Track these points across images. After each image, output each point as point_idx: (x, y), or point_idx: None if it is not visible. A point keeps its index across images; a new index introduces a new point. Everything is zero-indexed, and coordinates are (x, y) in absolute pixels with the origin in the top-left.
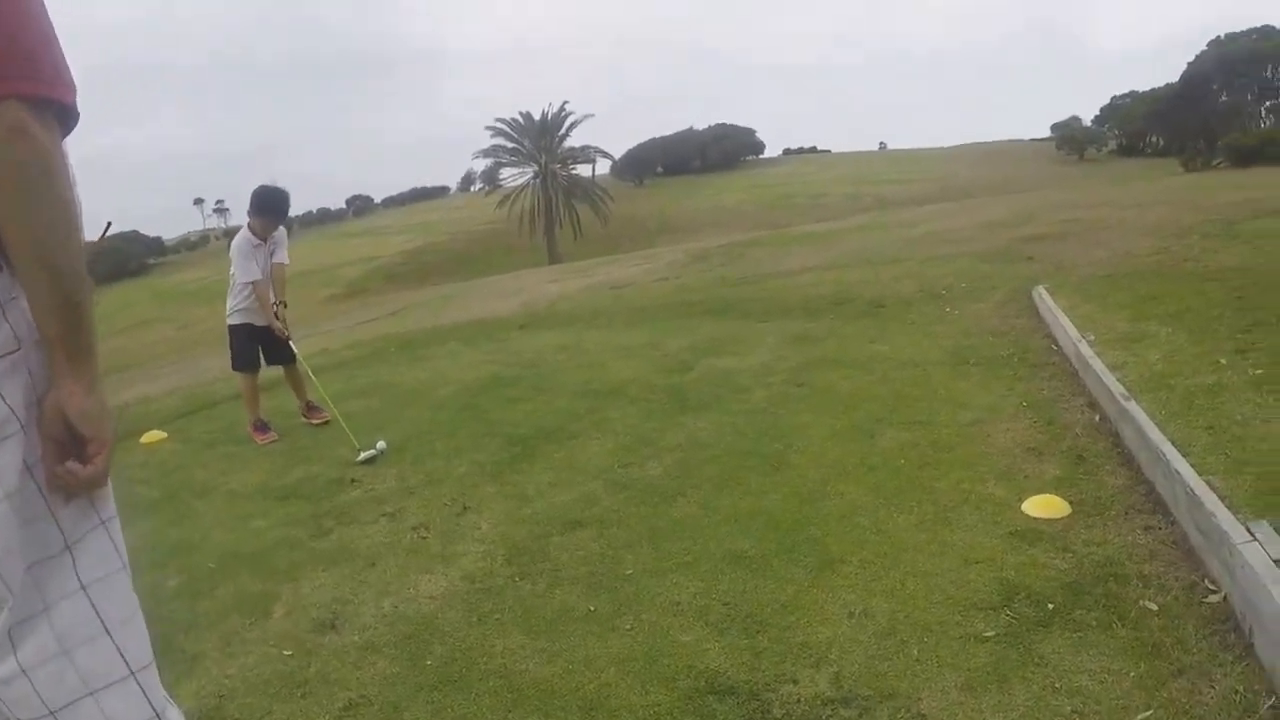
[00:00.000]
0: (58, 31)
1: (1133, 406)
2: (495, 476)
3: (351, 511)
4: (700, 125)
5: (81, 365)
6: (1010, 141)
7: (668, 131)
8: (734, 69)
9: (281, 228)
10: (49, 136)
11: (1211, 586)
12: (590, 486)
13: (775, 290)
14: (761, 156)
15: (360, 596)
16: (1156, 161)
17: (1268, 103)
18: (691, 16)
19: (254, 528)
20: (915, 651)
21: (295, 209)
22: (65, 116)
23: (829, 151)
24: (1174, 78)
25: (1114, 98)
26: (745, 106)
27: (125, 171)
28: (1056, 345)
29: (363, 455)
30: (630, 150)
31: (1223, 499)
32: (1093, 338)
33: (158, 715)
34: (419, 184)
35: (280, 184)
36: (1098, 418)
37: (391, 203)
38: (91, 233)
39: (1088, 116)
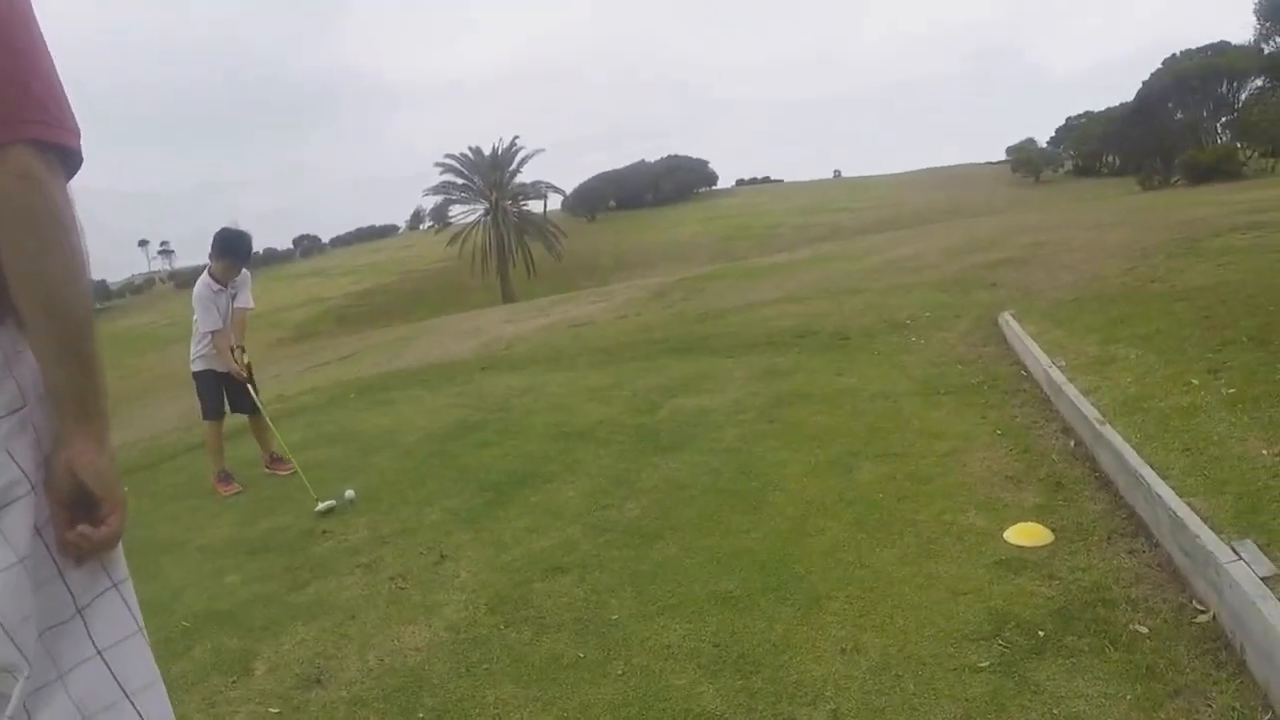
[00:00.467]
0: None
1: (1108, 431)
2: (470, 523)
3: (326, 563)
4: (652, 158)
5: (92, 421)
6: (965, 166)
7: (619, 165)
8: (685, 100)
9: (245, 270)
10: (56, 182)
11: (1200, 607)
12: (569, 531)
13: (738, 325)
14: (715, 188)
15: (343, 650)
16: (1113, 181)
17: (1223, 119)
18: (642, 49)
19: (227, 583)
20: (911, 685)
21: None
22: (69, 161)
23: (782, 181)
24: (1129, 97)
25: (1069, 119)
26: (697, 138)
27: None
28: (1026, 371)
29: (321, 506)
30: (582, 184)
31: (1205, 520)
32: (1063, 363)
33: None
34: (367, 223)
35: (233, 224)
36: (1073, 443)
37: (339, 242)
38: None
39: (1043, 139)
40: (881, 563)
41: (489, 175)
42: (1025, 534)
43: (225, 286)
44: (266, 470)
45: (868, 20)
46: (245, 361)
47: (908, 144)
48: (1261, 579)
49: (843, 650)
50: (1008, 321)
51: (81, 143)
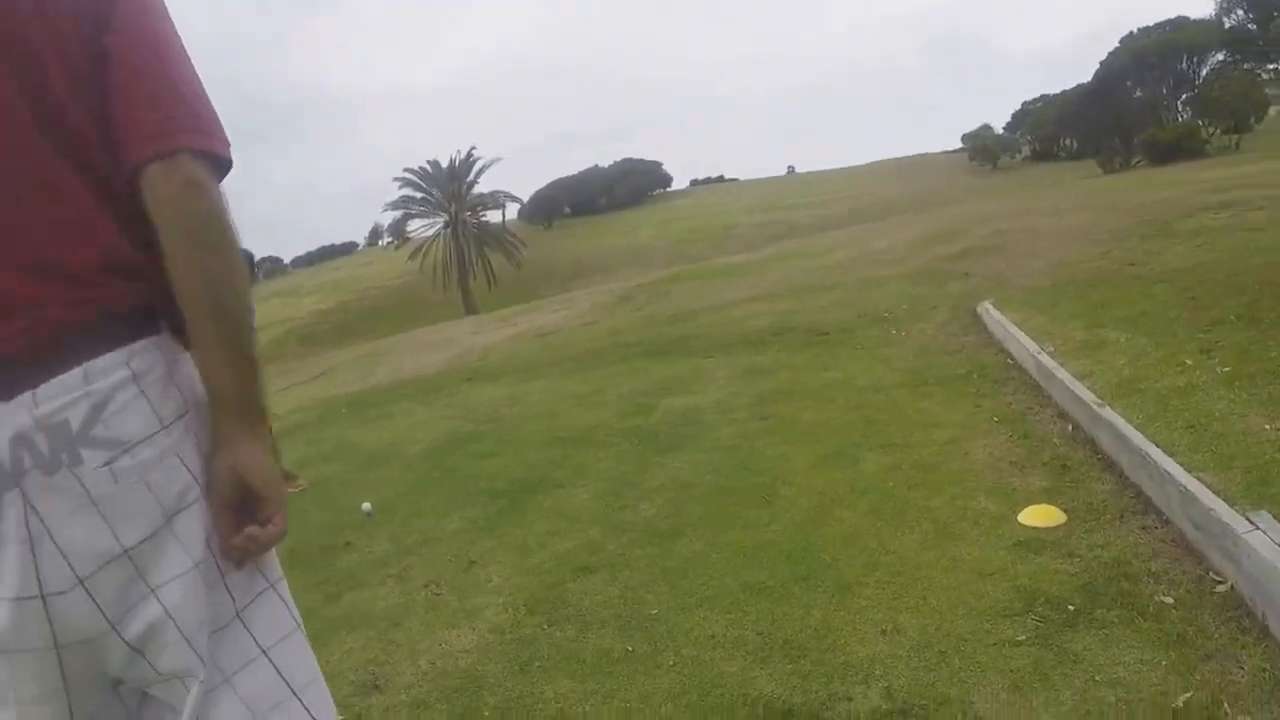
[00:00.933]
0: None
1: (1108, 413)
2: (490, 530)
3: (356, 575)
4: (605, 162)
5: (257, 423)
6: (921, 156)
7: (573, 171)
8: (636, 101)
9: None
10: (217, 189)
11: (1217, 577)
12: (589, 533)
13: (711, 326)
14: (669, 189)
15: (394, 657)
16: (1072, 165)
17: (1183, 96)
18: (590, 50)
19: None
20: (956, 661)
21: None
22: (222, 169)
23: (737, 180)
24: (1086, 78)
25: (1024, 103)
26: (649, 139)
27: None
28: (1013, 359)
29: (366, 505)
30: (537, 192)
31: (1217, 494)
32: (1052, 348)
33: None
34: (327, 240)
35: None
36: (1070, 427)
37: (301, 262)
38: None
39: (999, 124)
40: (904, 548)
41: (447, 187)
42: (1039, 515)
43: None
44: None
45: (819, 9)
46: None
47: (862, 136)
48: None
49: (883, 632)
50: (988, 310)
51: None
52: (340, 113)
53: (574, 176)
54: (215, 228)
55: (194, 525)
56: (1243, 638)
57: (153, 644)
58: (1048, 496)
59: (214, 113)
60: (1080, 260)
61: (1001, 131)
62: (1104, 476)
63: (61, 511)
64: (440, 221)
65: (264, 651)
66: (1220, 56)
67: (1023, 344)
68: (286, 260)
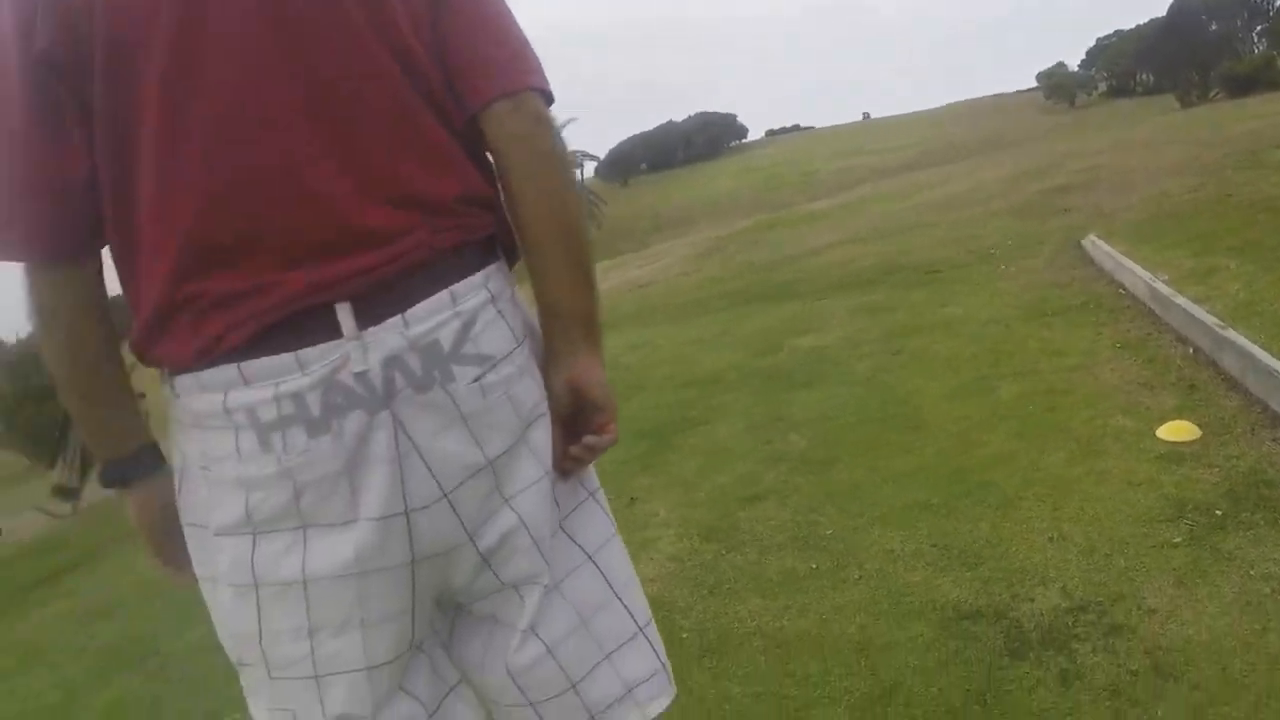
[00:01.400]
0: None
1: (1232, 334)
2: (645, 469)
3: None
4: (679, 117)
5: (597, 338)
6: (996, 97)
7: (647, 127)
8: (708, 54)
9: None
10: (555, 125)
11: None
12: (745, 466)
13: (814, 269)
14: (746, 140)
15: None
16: (1151, 100)
17: (1259, 27)
18: (660, 8)
19: None
20: (1121, 562)
21: None
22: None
23: (813, 128)
24: (1160, 13)
25: (1099, 39)
26: (723, 94)
27: None
28: (1125, 289)
29: None
30: (613, 149)
31: None
32: (1167, 277)
33: (663, 665)
34: None
35: None
36: (1191, 350)
37: None
38: None
39: (1074, 62)
40: (1053, 465)
41: None
42: (1176, 431)
43: None
44: None
45: None
46: None
47: (933, 81)
48: None
49: (1050, 539)
50: (1094, 243)
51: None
52: None
53: (650, 132)
54: (561, 160)
55: (544, 436)
56: None
57: (502, 552)
58: (1180, 414)
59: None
60: (1178, 192)
61: (1076, 69)
62: (1230, 395)
63: (431, 429)
64: None
65: (589, 557)
66: None
67: (1135, 274)
68: None
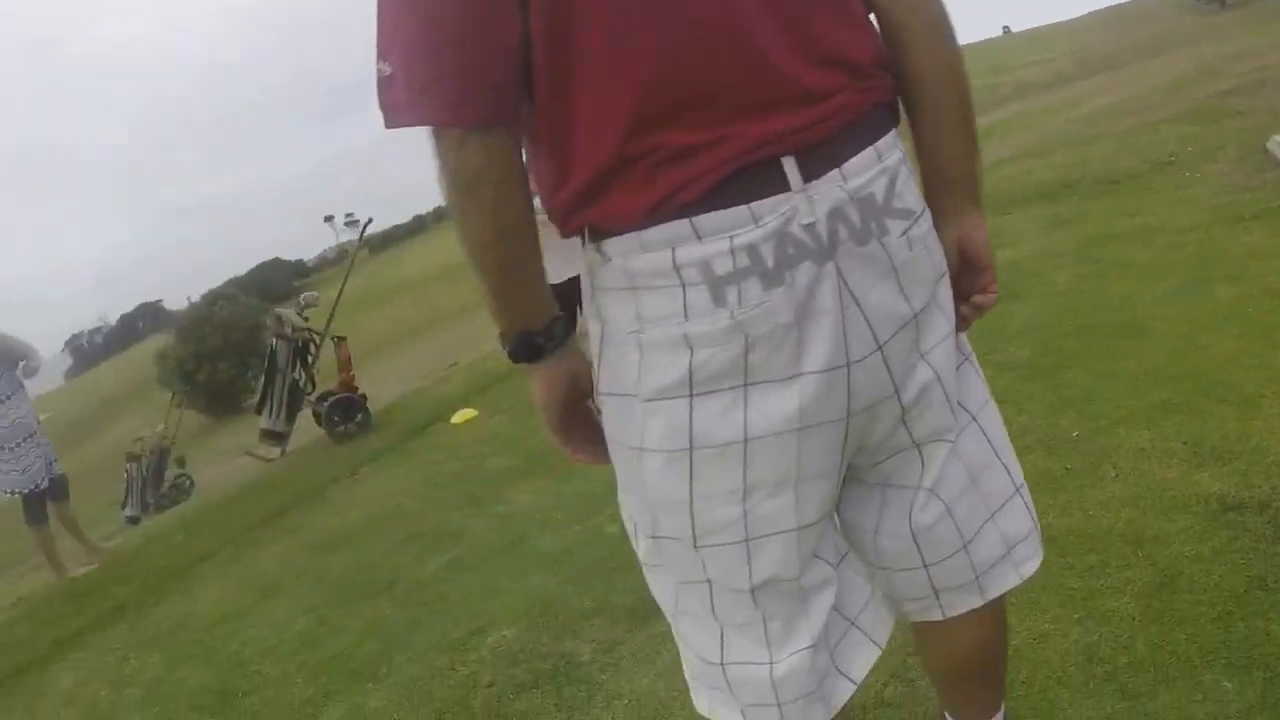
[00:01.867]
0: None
1: None
2: None
3: None
4: None
5: (980, 199)
6: (1138, 2)
7: None
8: None
9: None
10: None
11: None
12: None
13: (991, 185)
14: None
15: None
16: None
17: None
18: None
19: None
20: None
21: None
22: None
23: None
24: None
25: None
26: None
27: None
28: None
29: None
30: None
31: None
32: None
33: (1035, 525)
34: None
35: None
36: None
37: None
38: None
39: None
40: None
41: None
42: None
43: None
44: None
45: None
46: None
47: None
48: None
49: None
50: None
51: None
52: None
53: None
54: (950, 23)
55: (948, 294)
56: None
57: (918, 407)
58: None
59: None
60: None
61: None
62: None
63: (868, 281)
64: None
65: (973, 417)
66: None
67: None
68: None
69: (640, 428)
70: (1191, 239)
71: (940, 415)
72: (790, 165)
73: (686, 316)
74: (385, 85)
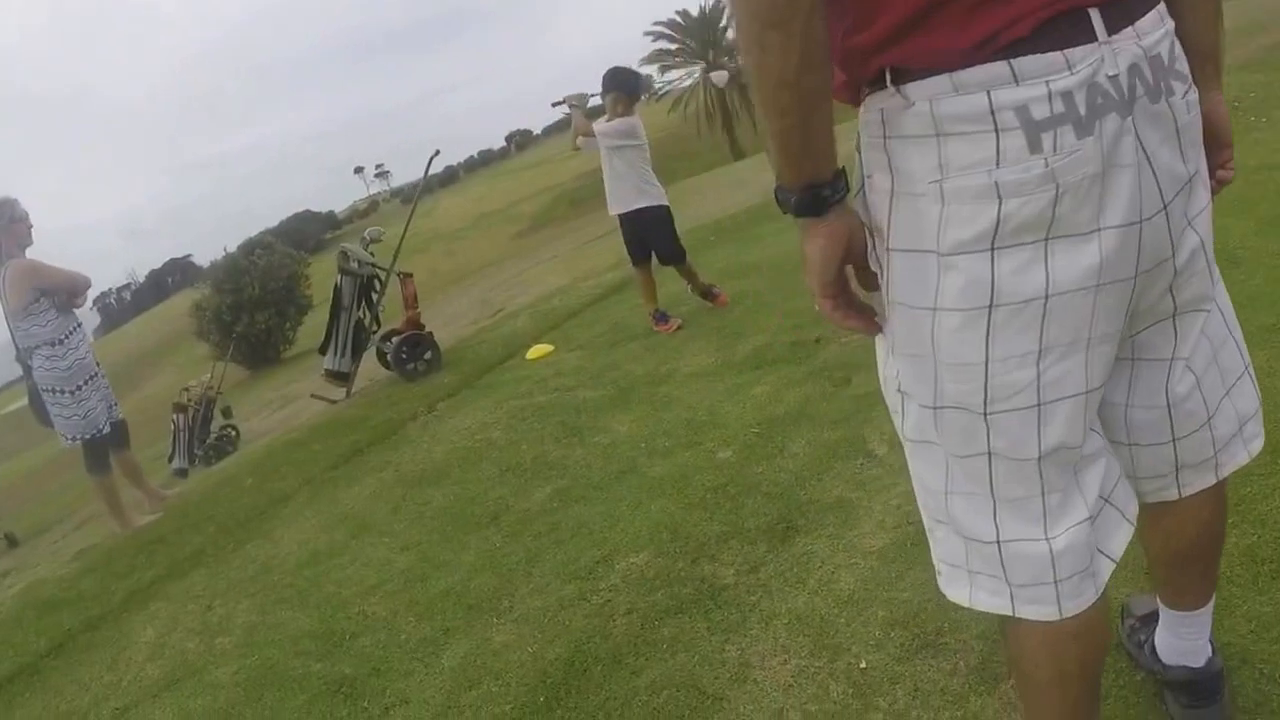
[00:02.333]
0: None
1: None
2: None
3: (852, 362)
4: None
5: (1221, 77)
6: None
7: None
8: None
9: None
10: None
11: None
12: None
13: None
14: None
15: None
16: None
17: None
18: None
19: (756, 395)
20: None
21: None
22: None
23: None
24: None
25: None
26: None
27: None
28: None
29: None
30: None
31: None
32: None
33: (1260, 402)
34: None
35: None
36: None
37: (553, 130)
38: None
39: None
40: None
41: (700, 35)
42: None
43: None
44: (708, 302)
45: None
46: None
47: None
48: None
49: None
50: None
51: None
52: None
53: None
54: None
55: (1204, 164)
56: None
57: (1185, 273)
58: None
59: None
60: None
61: None
62: None
63: (1157, 139)
64: (697, 70)
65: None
66: None
67: None
68: (537, 131)
69: (935, 285)
70: (1267, 177)
71: (1202, 282)
72: (1096, 17)
73: (998, 163)
74: None
